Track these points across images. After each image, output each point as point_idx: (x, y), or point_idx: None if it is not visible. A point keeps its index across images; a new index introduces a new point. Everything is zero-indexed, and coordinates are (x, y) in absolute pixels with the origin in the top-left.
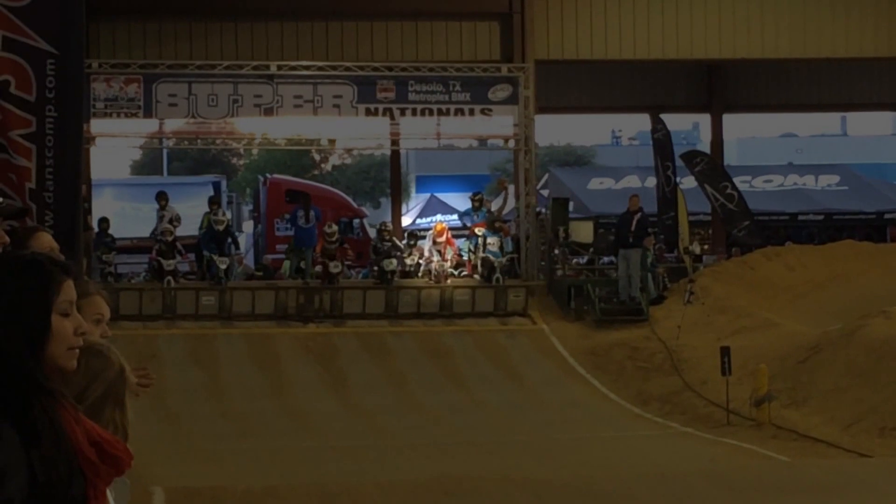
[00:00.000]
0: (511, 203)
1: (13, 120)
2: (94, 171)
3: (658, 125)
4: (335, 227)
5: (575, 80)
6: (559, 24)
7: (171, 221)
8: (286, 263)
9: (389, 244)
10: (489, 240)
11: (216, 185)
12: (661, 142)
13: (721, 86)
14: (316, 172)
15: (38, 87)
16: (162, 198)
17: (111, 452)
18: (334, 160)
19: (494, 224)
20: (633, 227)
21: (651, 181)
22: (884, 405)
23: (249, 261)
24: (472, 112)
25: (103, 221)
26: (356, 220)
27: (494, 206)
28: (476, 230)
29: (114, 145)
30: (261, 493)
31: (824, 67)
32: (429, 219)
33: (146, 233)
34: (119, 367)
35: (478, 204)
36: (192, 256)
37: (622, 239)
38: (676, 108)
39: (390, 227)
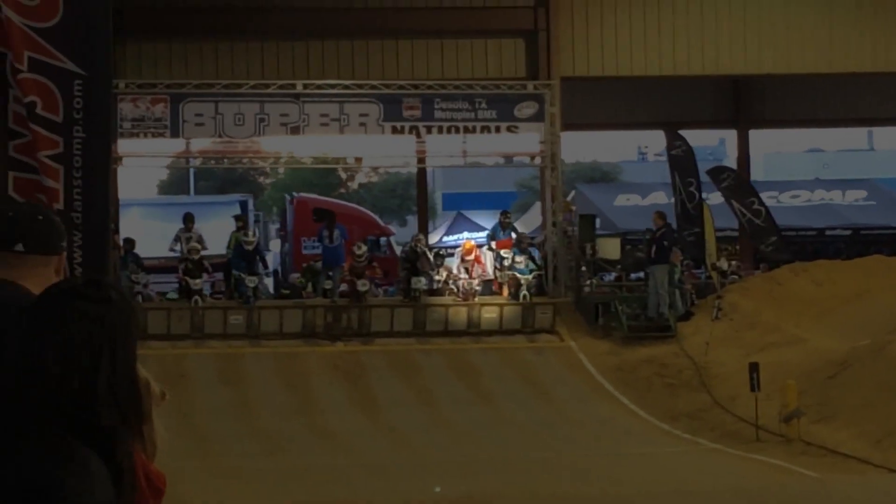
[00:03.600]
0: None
1: (41, 141)
2: (122, 190)
3: (677, 141)
4: (364, 248)
5: (601, 97)
6: (585, 40)
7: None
8: (301, 281)
9: (421, 254)
10: (516, 258)
11: (243, 204)
12: (681, 158)
13: (747, 101)
14: (342, 191)
15: (65, 107)
16: (189, 219)
17: (157, 486)
18: (361, 178)
19: (521, 244)
20: (653, 244)
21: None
22: None
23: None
24: (498, 129)
25: (127, 242)
26: (383, 239)
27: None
28: (502, 251)
29: (141, 165)
30: None
31: (851, 82)
32: (455, 236)
33: (174, 251)
34: (145, 381)
35: (507, 222)
36: (218, 275)
37: (648, 255)
38: (702, 123)
39: (423, 238)
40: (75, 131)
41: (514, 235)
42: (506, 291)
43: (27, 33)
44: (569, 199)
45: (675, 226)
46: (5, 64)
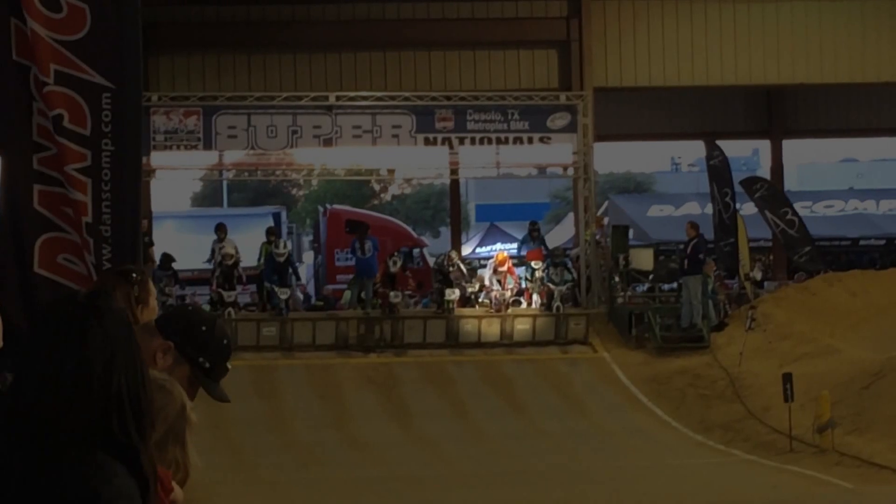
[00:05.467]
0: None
1: (69, 154)
2: (155, 203)
3: (714, 151)
4: (399, 263)
5: (634, 108)
6: (617, 51)
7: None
8: (347, 293)
9: (454, 269)
10: (550, 269)
11: (276, 216)
12: (718, 168)
13: (781, 111)
14: (375, 202)
15: (93, 120)
16: (221, 229)
17: (167, 486)
18: (394, 190)
19: (556, 257)
20: (687, 254)
21: (711, 208)
22: None
23: (310, 291)
24: (530, 140)
25: (165, 258)
26: (416, 250)
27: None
28: (533, 262)
29: (174, 177)
30: None
31: (885, 91)
32: (488, 248)
33: (210, 265)
34: (181, 403)
35: (535, 234)
36: (251, 287)
37: (681, 266)
38: (736, 134)
39: (454, 255)
40: (104, 144)
41: (542, 247)
42: (538, 301)
43: (53, 46)
44: (600, 213)
45: (713, 236)
46: (29, 77)
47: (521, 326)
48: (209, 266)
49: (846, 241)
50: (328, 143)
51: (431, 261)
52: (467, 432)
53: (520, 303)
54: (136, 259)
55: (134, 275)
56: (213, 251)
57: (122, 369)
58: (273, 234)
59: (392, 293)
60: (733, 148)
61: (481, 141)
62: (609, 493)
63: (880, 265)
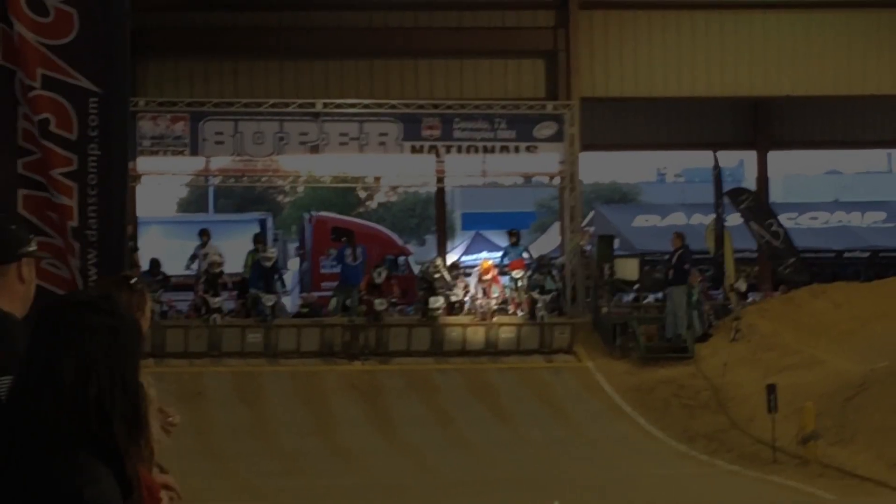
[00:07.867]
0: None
1: (54, 158)
2: (141, 208)
3: (716, 162)
4: (384, 274)
5: (620, 118)
6: (604, 61)
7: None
8: (333, 300)
9: (438, 276)
10: (536, 275)
11: (262, 223)
12: (717, 179)
13: (766, 123)
14: (361, 210)
15: (79, 125)
16: (204, 234)
17: (156, 496)
18: (380, 198)
19: (543, 268)
20: (672, 265)
21: (696, 218)
22: None
23: (295, 298)
24: (517, 149)
25: (154, 264)
26: (401, 258)
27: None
28: (514, 272)
29: (160, 183)
30: None
31: (870, 104)
32: (474, 256)
33: (191, 270)
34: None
35: (514, 240)
36: (235, 293)
37: (666, 276)
38: (722, 145)
39: (439, 263)
40: (90, 149)
41: (525, 255)
42: (522, 310)
43: (40, 50)
44: (585, 222)
45: (715, 246)
46: (14, 81)
47: (506, 335)
48: (192, 272)
49: (831, 253)
50: (315, 150)
51: (417, 269)
52: (451, 440)
53: (505, 311)
54: (122, 264)
55: (134, 281)
56: (194, 257)
57: (101, 375)
58: (260, 241)
59: (377, 301)
60: (719, 159)
61: (468, 149)
62: (591, 502)
63: (865, 277)
